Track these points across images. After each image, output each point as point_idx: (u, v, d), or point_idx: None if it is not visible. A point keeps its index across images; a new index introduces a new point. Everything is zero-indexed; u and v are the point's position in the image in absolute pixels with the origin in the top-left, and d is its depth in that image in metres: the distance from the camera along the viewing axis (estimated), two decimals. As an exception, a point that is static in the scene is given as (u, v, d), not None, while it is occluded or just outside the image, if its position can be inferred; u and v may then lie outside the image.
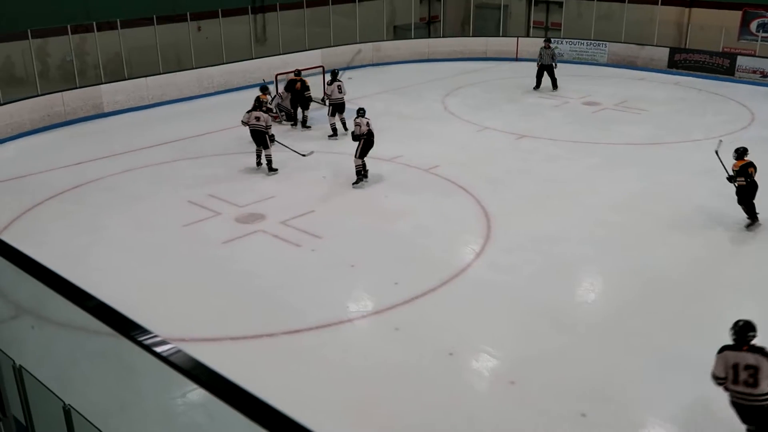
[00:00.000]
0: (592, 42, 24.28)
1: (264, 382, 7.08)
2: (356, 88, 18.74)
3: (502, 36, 25.91)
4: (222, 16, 20.76)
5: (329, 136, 16.12)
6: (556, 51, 20.72)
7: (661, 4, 23.57)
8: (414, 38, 25.69)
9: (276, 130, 14.80)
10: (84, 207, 12.37)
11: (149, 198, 12.70)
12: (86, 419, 3.15)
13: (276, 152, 14.02)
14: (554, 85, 20.41)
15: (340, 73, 16.77)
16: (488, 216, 11.69)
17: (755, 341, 6.24)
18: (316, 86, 17.33)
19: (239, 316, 8.86)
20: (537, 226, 11.37)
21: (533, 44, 23.67)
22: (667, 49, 23.07)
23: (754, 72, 21.42)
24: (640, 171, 13.84)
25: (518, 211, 12.00)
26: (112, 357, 3.46)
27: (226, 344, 8.26)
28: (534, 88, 20.49)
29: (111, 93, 18.37)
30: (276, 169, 13.89)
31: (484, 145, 15.73)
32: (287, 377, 7.60)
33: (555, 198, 12.61)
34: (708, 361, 7.88)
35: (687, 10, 23.64)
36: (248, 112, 14.03)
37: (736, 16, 22.47)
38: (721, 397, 7.35)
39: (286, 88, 16.94)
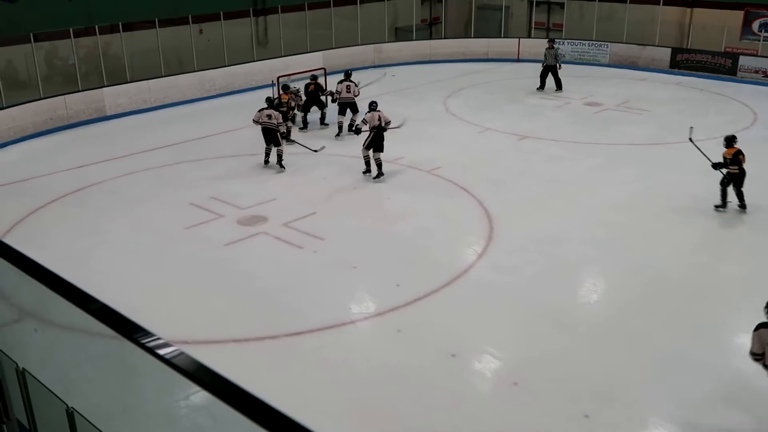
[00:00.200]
0: (594, 42, 24.28)
1: (266, 383, 7.09)
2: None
3: (504, 37, 25.92)
4: (223, 19, 20.80)
5: (335, 135, 16.30)
6: (559, 51, 20.72)
7: (663, 5, 23.57)
8: (415, 40, 25.71)
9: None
10: (86, 210, 12.39)
11: (151, 200, 12.72)
12: (89, 422, 3.16)
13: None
14: (558, 86, 20.40)
15: (352, 73, 17.17)
16: (490, 217, 11.69)
17: None
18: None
19: (241, 318, 8.87)
20: (539, 227, 11.37)
21: (535, 45, 23.71)
22: (669, 50, 23.06)
23: (757, 72, 21.40)
24: (641, 171, 13.84)
25: (520, 212, 12.00)
26: (115, 360, 3.46)
27: (228, 346, 8.26)
28: (537, 89, 20.50)
29: (113, 96, 18.41)
30: (284, 167, 14.09)
31: (486, 146, 15.74)
32: (289, 379, 7.61)
33: (557, 199, 12.61)
34: (709, 361, 7.90)
35: (689, 10, 23.63)
36: (260, 110, 14.20)
37: (738, 15, 22.45)
38: (723, 397, 7.36)
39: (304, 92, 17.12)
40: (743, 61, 21.68)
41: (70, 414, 3.21)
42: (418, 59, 24.84)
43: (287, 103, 15.57)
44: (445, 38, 26.70)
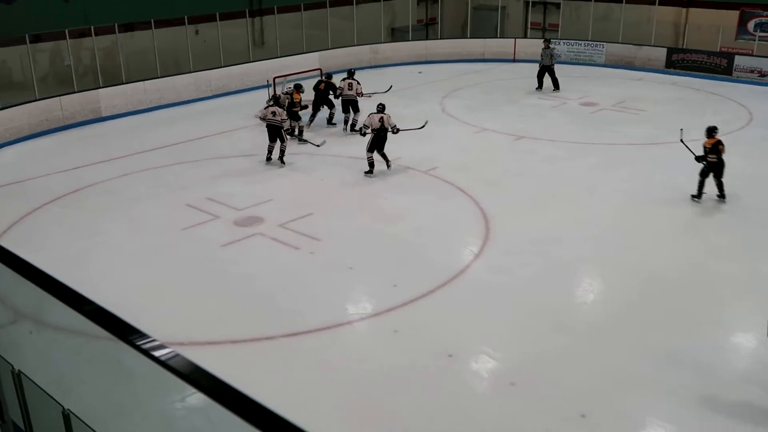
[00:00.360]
0: (590, 43, 24.31)
1: (263, 384, 7.08)
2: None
3: (500, 37, 25.94)
4: (219, 20, 20.78)
5: (343, 129, 16.71)
6: (555, 51, 20.75)
7: (659, 5, 23.61)
8: (412, 40, 25.72)
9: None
10: (83, 211, 12.37)
11: (148, 201, 12.70)
12: (85, 424, 3.16)
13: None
14: (555, 86, 20.43)
15: (355, 72, 17.48)
16: (487, 217, 11.69)
17: None
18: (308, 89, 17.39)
19: (238, 319, 8.86)
20: (536, 227, 11.38)
21: (531, 45, 23.73)
22: (665, 49, 23.10)
23: (752, 71, 21.44)
24: (638, 171, 13.86)
25: (517, 212, 12.00)
26: (111, 361, 3.46)
27: (225, 347, 8.25)
28: (536, 89, 20.53)
29: (109, 97, 18.37)
30: (284, 163, 14.30)
31: (483, 147, 15.75)
32: (286, 380, 7.60)
33: (553, 199, 12.62)
34: (707, 360, 7.91)
35: (684, 10, 23.68)
36: (265, 107, 14.41)
37: (734, 15, 22.50)
38: (720, 397, 7.37)
39: (314, 88, 17.24)
40: (739, 60, 21.72)
41: (66, 416, 3.21)
42: (415, 59, 24.83)
43: (300, 102, 15.74)
44: (441, 39, 26.72)
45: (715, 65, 22.10)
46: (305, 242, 10.86)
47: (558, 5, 25.71)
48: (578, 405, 7.15)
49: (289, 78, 17.76)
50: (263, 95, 18.36)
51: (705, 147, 11.88)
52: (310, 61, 21.37)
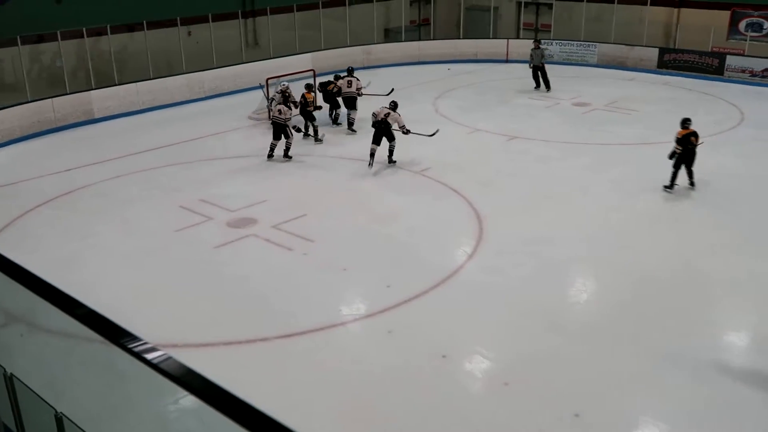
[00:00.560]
0: (582, 43, 24.38)
1: (257, 386, 7.08)
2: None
3: (493, 38, 25.98)
4: (212, 21, 20.74)
5: (344, 126, 17.02)
6: (546, 52, 20.78)
7: (650, 5, 23.68)
8: (404, 41, 25.72)
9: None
10: (75, 213, 12.33)
11: (141, 203, 12.67)
12: (78, 427, 3.15)
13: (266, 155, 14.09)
14: (547, 86, 20.49)
15: (354, 70, 17.79)
16: (480, 217, 11.71)
17: None
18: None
19: (232, 320, 8.85)
20: (529, 227, 11.40)
21: (523, 46, 23.76)
22: (657, 50, 23.18)
23: (743, 71, 21.53)
24: (630, 171, 13.89)
25: (510, 213, 12.02)
26: (103, 364, 3.45)
27: (219, 349, 8.24)
28: (535, 89, 20.67)
29: (101, 99, 18.32)
30: (290, 157, 14.60)
31: (476, 147, 15.77)
32: (280, 381, 7.60)
33: (546, 199, 12.64)
34: (701, 358, 7.94)
35: (676, 10, 23.76)
36: (270, 106, 14.83)
37: (725, 15, 22.59)
38: (713, 396, 7.40)
39: (320, 89, 17.39)
40: (730, 60, 21.82)
41: (59, 419, 3.20)
42: (408, 60, 24.85)
43: (312, 101, 15.94)
44: (434, 39, 26.73)
45: (707, 65, 22.18)
46: (299, 243, 10.86)
47: (550, 6, 25.77)
48: (572, 405, 7.16)
49: (282, 79, 17.71)
50: (257, 96, 18.34)
51: (677, 137, 12.39)
52: (303, 62, 21.36)
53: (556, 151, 15.18)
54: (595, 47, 24.13)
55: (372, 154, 13.92)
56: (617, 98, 19.65)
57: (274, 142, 14.49)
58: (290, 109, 14.80)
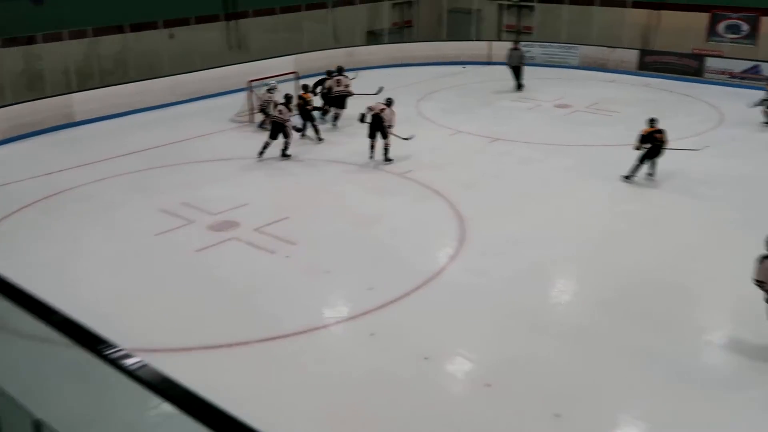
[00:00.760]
0: (564, 45, 24.52)
1: (240, 390, 7.08)
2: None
3: (475, 40, 26.06)
4: (194, 23, 20.66)
5: (332, 125, 17.20)
6: (527, 54, 20.89)
7: (631, 7, 23.87)
8: (387, 43, 25.74)
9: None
10: (57, 217, 12.24)
11: (122, 207, 12.59)
12: (56, 433, 3.14)
13: (254, 158, 14.05)
14: (519, 87, 20.69)
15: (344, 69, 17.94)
16: (463, 219, 11.75)
17: None
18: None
19: (214, 324, 8.83)
20: (512, 229, 11.46)
21: (505, 48, 23.79)
22: (637, 52, 23.36)
23: (723, 73, 21.74)
24: (613, 172, 13.95)
25: (493, 214, 12.07)
26: (82, 370, 3.44)
27: (201, 353, 8.22)
28: (516, 89, 20.80)
29: (83, 101, 18.16)
30: (289, 155, 14.73)
31: (459, 149, 15.83)
32: (263, 385, 7.60)
33: (529, 200, 12.72)
34: (682, 359, 8.02)
35: (656, 12, 23.95)
36: (276, 105, 14.89)
37: (705, 18, 22.81)
38: (694, 396, 7.47)
39: (313, 91, 17.35)
40: (710, 62, 22.03)
41: (37, 424, 3.19)
42: (390, 62, 24.86)
43: (311, 102, 16.10)
44: (417, 41, 26.78)
45: (687, 67, 22.38)
46: (281, 246, 10.85)
47: (532, 8, 25.90)
48: (553, 405, 7.21)
49: (265, 81, 17.66)
50: (241, 98, 18.25)
51: (642, 134, 13.06)
52: (286, 64, 21.31)
53: (539, 153, 15.27)
54: (577, 49, 24.28)
55: (372, 147, 14.25)
56: (599, 100, 19.80)
57: (269, 141, 14.50)
58: (290, 110, 14.86)
